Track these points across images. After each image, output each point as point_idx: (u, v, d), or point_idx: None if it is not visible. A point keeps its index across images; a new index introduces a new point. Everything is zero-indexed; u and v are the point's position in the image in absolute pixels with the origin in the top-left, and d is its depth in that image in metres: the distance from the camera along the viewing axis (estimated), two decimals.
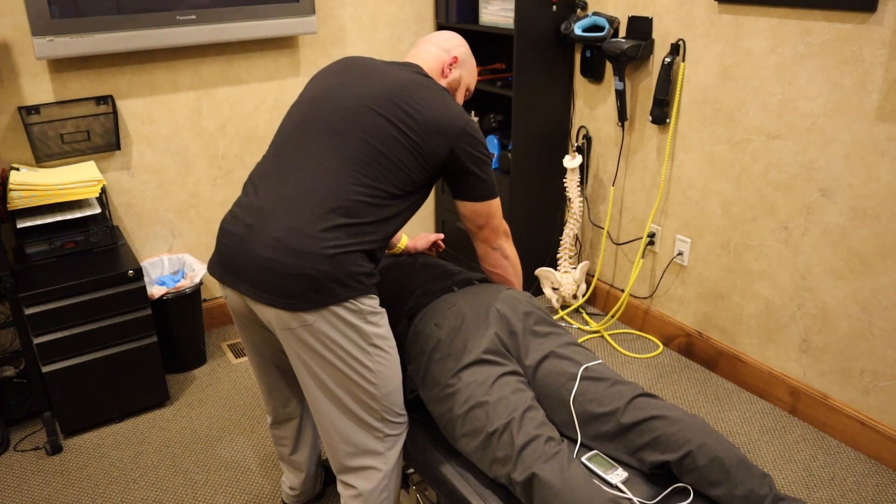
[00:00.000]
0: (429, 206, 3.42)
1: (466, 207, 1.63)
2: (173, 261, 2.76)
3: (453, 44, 1.71)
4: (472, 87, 1.77)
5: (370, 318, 1.46)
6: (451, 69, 1.68)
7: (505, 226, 1.70)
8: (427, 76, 1.59)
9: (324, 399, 1.49)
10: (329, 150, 1.46)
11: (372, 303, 1.46)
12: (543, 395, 1.56)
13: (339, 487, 1.62)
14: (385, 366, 1.50)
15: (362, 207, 1.43)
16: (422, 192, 1.56)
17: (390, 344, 1.52)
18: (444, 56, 1.68)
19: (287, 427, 1.83)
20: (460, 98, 1.74)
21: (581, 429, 1.53)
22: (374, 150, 1.45)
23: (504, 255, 1.73)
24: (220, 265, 1.49)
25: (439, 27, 3.12)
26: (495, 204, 1.64)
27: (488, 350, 1.54)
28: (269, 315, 1.42)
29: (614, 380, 1.53)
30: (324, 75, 1.61)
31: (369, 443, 1.55)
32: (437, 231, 3.45)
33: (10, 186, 2.16)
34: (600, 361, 1.59)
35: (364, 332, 1.45)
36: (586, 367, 1.55)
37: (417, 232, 3.43)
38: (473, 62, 1.75)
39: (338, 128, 1.47)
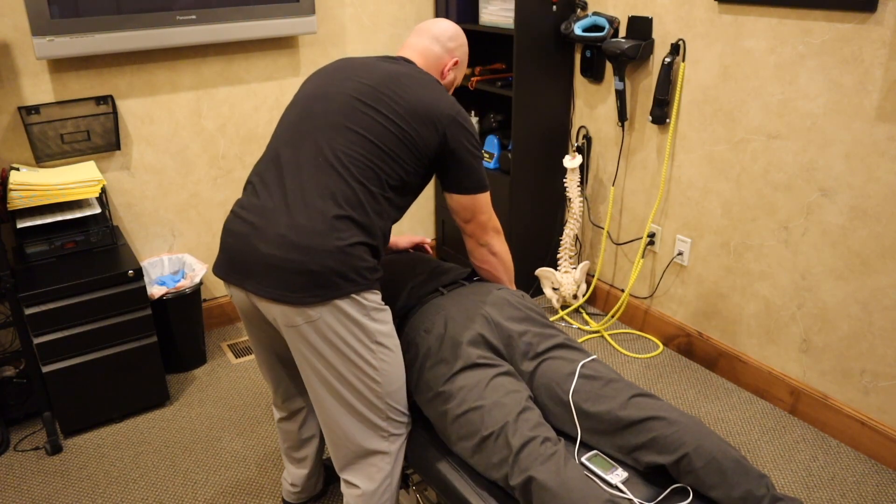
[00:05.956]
0: (429, 206, 3.42)
1: (453, 200, 1.63)
2: (173, 261, 2.76)
3: (456, 43, 1.70)
4: (459, 81, 1.79)
5: (374, 314, 1.46)
6: (450, 72, 1.70)
7: (494, 222, 1.69)
8: (415, 66, 1.60)
9: (328, 398, 1.49)
10: (325, 147, 1.47)
11: (375, 298, 1.47)
12: (540, 398, 1.56)
13: (343, 486, 1.62)
14: (389, 363, 1.50)
15: (361, 202, 1.44)
16: (419, 184, 1.57)
17: (394, 342, 1.52)
18: (446, 58, 1.69)
19: (293, 422, 1.83)
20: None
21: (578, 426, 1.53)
22: (367, 144, 1.46)
23: (492, 251, 1.72)
24: (226, 264, 1.50)
25: None
26: (482, 199, 1.63)
27: (479, 354, 1.54)
28: (275, 312, 1.43)
29: (609, 378, 1.53)
30: (316, 76, 1.63)
31: (374, 442, 1.55)
32: (437, 231, 3.45)
33: (10, 186, 2.16)
34: (594, 357, 1.59)
35: (368, 329, 1.45)
36: (583, 365, 1.55)
37: (417, 232, 3.43)
38: (467, 59, 1.76)
39: (331, 123, 1.49)
